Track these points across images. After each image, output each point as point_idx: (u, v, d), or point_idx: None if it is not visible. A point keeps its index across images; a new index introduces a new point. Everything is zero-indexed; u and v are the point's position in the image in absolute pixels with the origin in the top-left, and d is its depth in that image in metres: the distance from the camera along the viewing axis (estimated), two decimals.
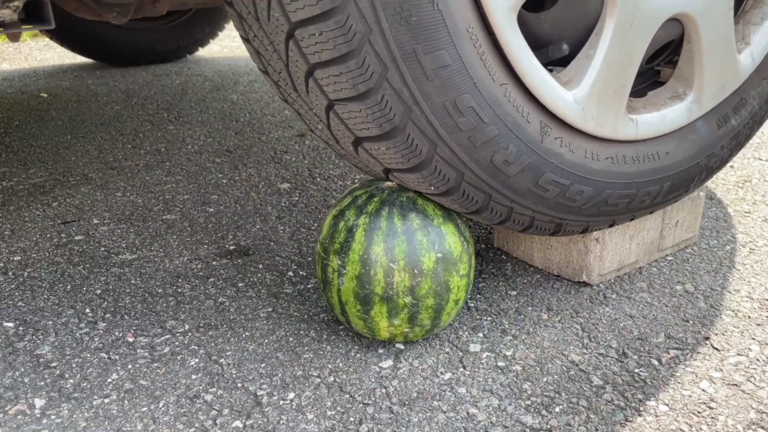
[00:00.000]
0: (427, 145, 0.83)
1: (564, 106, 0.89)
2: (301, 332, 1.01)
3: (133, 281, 1.17)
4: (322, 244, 0.92)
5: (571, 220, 1.00)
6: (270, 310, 1.08)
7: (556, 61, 0.95)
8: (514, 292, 1.12)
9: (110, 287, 1.15)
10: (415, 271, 0.87)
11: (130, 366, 0.93)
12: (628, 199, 1.03)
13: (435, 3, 0.74)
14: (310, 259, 1.24)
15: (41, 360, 0.94)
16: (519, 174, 0.89)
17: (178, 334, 1.01)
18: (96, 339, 0.99)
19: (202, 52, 3.49)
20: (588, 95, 0.91)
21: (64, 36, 2.93)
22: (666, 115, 1.01)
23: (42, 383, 0.90)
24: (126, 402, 0.87)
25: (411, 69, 0.76)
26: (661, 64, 1.10)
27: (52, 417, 0.84)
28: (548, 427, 0.83)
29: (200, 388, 0.89)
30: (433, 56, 0.76)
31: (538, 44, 0.94)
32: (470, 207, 0.91)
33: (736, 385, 0.90)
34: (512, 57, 0.83)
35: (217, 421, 0.84)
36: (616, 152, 0.98)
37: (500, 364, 0.94)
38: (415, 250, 0.87)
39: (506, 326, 1.03)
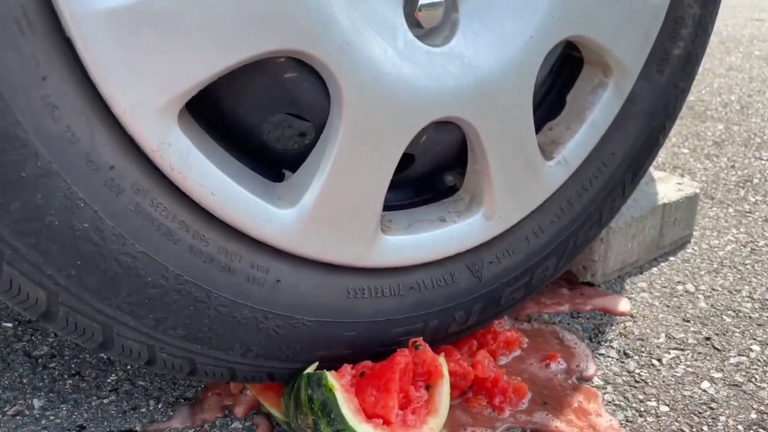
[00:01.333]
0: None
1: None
2: None
3: None
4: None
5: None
6: None
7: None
8: None
9: None
10: None
11: (128, 367, 0.93)
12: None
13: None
14: None
15: (40, 361, 0.94)
16: None
17: None
18: None
19: None
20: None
21: None
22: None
23: (41, 384, 0.90)
24: (125, 403, 0.86)
25: None
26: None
27: (51, 418, 0.84)
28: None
29: (199, 389, 0.89)
30: None
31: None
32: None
33: (737, 385, 0.90)
34: None
35: (217, 422, 0.83)
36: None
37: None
38: None
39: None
